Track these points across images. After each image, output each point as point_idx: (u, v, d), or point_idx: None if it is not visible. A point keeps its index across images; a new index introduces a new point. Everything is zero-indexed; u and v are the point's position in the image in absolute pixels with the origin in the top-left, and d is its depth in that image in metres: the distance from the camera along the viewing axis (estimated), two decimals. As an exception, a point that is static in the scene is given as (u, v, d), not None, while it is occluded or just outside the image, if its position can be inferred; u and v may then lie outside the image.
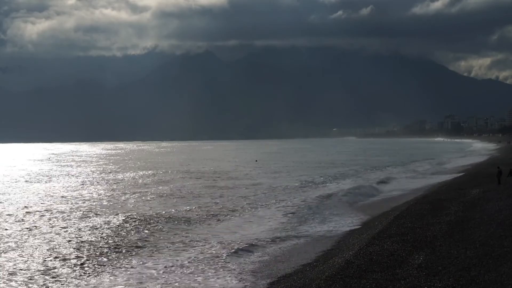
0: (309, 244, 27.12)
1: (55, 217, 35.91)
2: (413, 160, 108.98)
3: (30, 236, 29.19)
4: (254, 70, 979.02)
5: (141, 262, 23.62)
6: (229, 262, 23.39)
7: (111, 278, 21.39)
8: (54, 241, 27.75)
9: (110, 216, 35.85)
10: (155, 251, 25.96)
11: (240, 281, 20.62)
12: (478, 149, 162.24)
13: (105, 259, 24.19)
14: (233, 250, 25.31)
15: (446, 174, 67.25)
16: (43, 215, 36.95)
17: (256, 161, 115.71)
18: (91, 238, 28.63)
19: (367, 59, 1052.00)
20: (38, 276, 21.38)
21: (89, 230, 31.00)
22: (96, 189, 56.04)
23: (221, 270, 22.12)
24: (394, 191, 51.66)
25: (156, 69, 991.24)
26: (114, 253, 25.27)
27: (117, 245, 27.00)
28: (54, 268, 22.70)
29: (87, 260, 23.94)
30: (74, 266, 22.99)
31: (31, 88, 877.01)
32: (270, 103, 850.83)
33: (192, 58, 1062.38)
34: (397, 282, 17.29)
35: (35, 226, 32.33)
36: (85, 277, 21.51)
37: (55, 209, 40.22)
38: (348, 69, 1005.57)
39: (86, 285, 20.49)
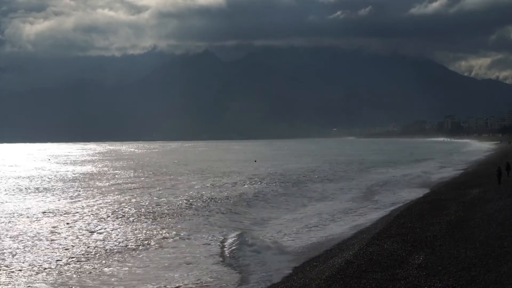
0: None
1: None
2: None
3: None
4: (254, 70, 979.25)
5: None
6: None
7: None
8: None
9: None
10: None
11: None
12: (478, 148, 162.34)
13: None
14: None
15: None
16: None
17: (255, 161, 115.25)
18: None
19: (366, 59, 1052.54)
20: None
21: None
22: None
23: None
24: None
25: (155, 69, 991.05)
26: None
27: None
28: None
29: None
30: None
31: (30, 88, 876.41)
32: (269, 103, 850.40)
33: (191, 58, 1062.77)
34: (397, 282, 17.26)
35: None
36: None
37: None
38: (347, 69, 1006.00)
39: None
